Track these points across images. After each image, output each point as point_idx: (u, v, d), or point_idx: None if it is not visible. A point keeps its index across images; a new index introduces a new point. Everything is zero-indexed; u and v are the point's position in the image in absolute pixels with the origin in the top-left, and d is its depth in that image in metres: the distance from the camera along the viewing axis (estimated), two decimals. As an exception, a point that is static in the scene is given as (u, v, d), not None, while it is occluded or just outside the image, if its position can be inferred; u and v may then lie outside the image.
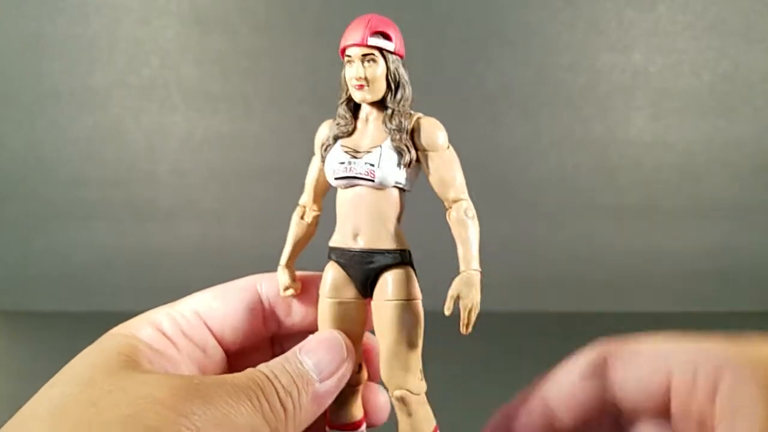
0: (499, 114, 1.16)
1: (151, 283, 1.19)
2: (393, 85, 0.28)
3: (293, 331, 0.32)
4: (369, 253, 0.28)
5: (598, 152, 1.17)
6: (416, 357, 0.28)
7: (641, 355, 0.24)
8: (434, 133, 0.28)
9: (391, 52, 0.28)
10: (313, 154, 0.32)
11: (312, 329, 0.30)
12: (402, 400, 0.27)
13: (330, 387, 0.26)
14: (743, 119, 1.15)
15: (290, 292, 0.31)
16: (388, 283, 0.28)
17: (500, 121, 1.16)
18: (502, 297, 1.17)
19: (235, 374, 0.24)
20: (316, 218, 0.32)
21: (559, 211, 1.18)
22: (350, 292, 0.29)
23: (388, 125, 0.28)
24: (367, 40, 0.28)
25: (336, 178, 0.29)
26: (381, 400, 0.32)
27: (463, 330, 0.26)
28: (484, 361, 0.90)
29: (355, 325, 0.29)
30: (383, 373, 0.28)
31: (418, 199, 0.32)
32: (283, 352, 0.27)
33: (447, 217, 0.29)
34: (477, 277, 0.27)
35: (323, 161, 0.30)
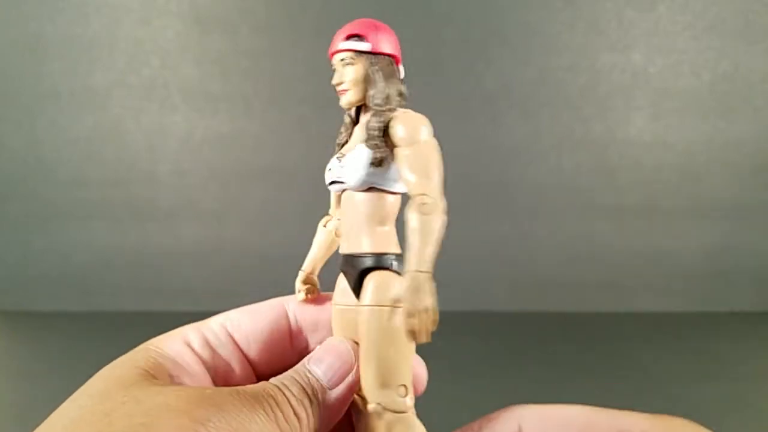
0: (499, 114, 1.16)
1: (151, 283, 1.19)
2: (369, 84, 0.27)
3: None
4: (351, 257, 0.27)
5: (598, 152, 1.17)
6: (393, 370, 0.25)
7: (552, 420, 0.24)
8: (405, 127, 0.26)
9: (366, 53, 0.27)
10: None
11: None
12: (378, 415, 0.25)
13: (341, 393, 0.26)
14: (743, 119, 1.15)
15: (301, 296, 0.31)
16: (365, 287, 0.26)
17: (500, 121, 1.16)
18: (502, 297, 1.18)
19: (248, 386, 0.24)
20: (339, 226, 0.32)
21: (559, 211, 1.18)
22: (351, 298, 0.28)
23: (368, 125, 0.27)
24: (339, 45, 0.28)
25: (328, 185, 0.29)
26: None
27: (413, 338, 0.23)
28: (484, 361, 0.90)
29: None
30: (361, 383, 0.26)
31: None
32: None
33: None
34: (423, 278, 0.23)
35: None
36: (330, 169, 0.28)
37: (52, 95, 1.16)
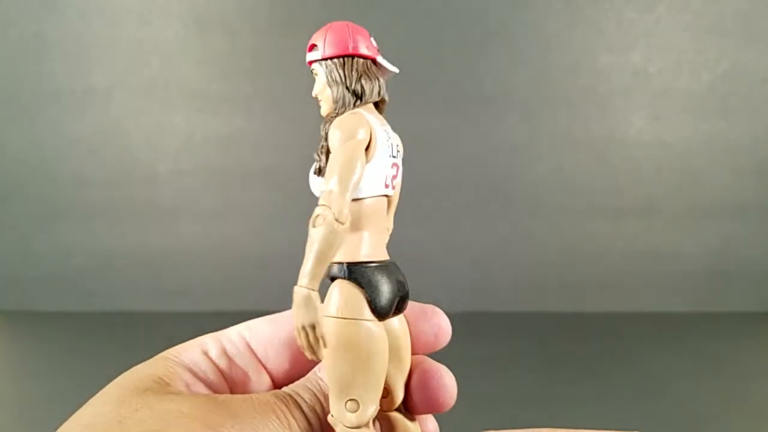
0: (499, 114, 1.16)
1: (151, 283, 1.19)
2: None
3: None
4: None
5: (598, 152, 1.17)
6: (342, 383, 0.24)
7: None
8: (331, 134, 0.25)
9: (321, 60, 0.27)
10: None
11: None
12: (335, 426, 0.24)
13: None
14: (743, 119, 1.15)
15: None
16: None
17: (500, 121, 1.16)
18: (502, 297, 1.18)
19: (260, 393, 0.24)
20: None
21: (559, 211, 1.18)
22: None
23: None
24: (307, 59, 0.28)
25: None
26: (429, 428, 0.30)
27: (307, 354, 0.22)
28: (484, 361, 0.90)
29: None
30: None
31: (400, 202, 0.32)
32: None
33: None
34: (299, 294, 0.22)
35: None
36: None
37: (52, 95, 1.16)
